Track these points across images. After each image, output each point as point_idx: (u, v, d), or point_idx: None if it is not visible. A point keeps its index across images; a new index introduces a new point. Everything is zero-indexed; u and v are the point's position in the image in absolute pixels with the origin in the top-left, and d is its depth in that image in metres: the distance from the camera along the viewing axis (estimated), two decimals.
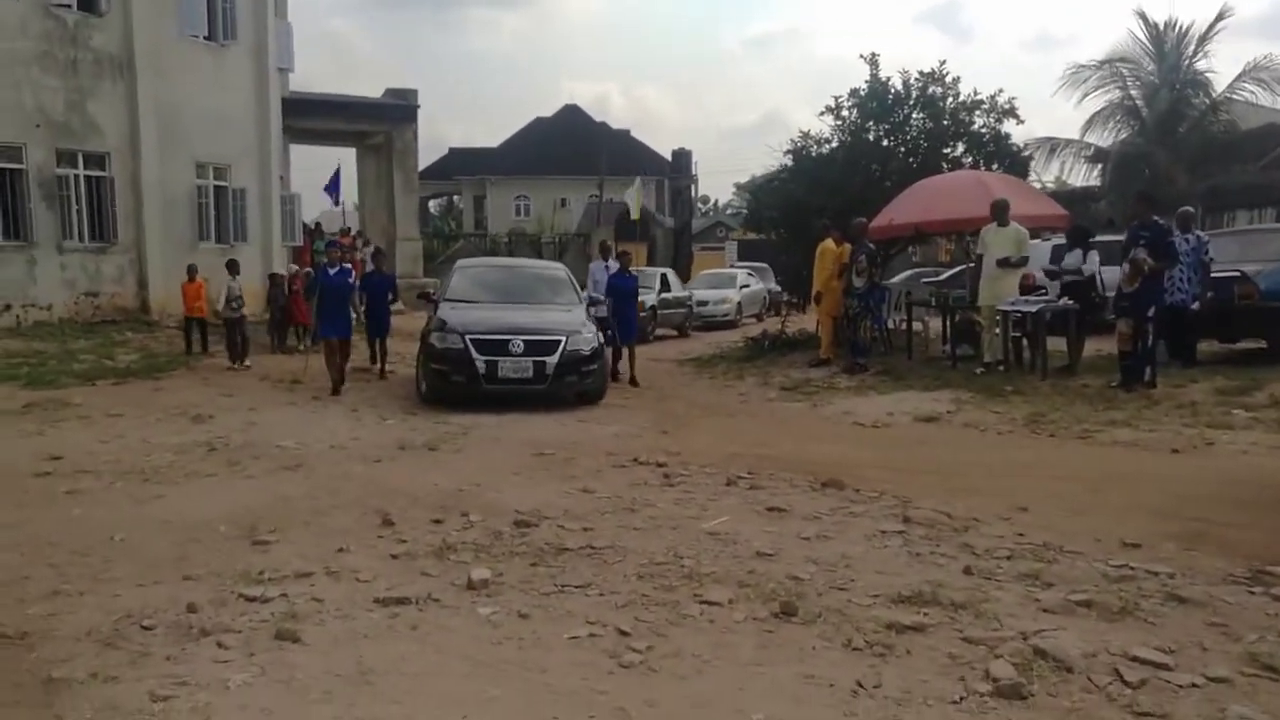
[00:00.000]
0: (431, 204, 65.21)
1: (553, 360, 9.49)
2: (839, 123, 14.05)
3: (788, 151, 14.32)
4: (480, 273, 11.84)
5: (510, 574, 4.29)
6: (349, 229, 26.78)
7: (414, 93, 24.82)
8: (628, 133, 58.30)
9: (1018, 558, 4.39)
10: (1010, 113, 13.51)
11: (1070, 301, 9.87)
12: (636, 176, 33.38)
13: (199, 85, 18.32)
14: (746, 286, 24.65)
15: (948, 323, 11.73)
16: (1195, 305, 9.79)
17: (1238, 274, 10.01)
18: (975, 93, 13.51)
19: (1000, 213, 10.32)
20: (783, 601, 3.80)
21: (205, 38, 18.61)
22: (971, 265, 11.67)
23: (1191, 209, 10.85)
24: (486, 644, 3.53)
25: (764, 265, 28.25)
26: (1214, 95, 23.93)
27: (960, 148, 13.60)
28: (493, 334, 9.51)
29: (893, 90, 13.65)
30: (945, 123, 13.52)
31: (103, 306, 16.77)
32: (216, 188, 19.11)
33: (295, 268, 17.66)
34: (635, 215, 29.68)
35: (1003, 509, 5.28)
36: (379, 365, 12.26)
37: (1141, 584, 4.00)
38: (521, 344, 9.45)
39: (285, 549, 4.75)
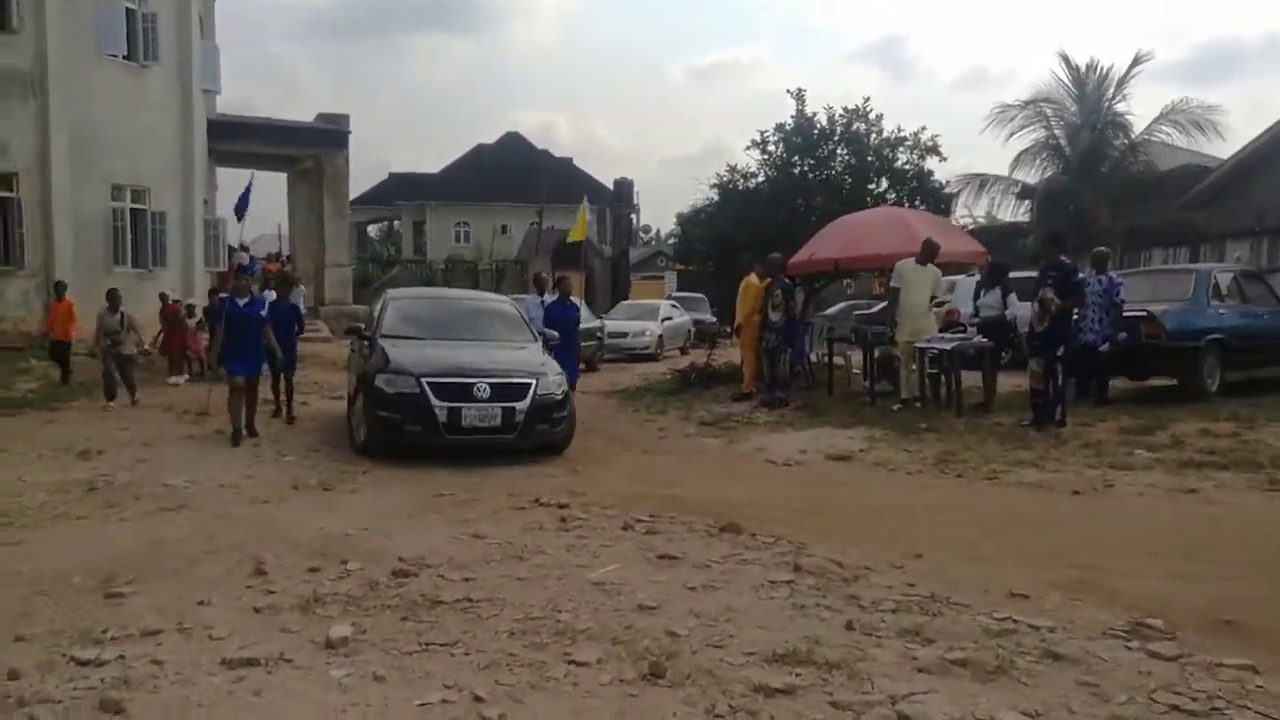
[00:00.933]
0: (371, 229, 64.57)
1: (523, 406, 8.36)
2: (765, 157, 14.12)
3: (714, 185, 14.35)
4: (419, 305, 10.63)
5: (375, 630, 4.06)
6: (279, 254, 26.27)
7: (345, 118, 24.50)
8: (570, 161, 58.35)
9: (903, 610, 4.28)
10: (933, 150, 13.71)
11: (986, 340, 9.95)
12: (584, 196, 33.08)
13: (117, 105, 17.86)
14: (669, 319, 23.90)
15: (868, 358, 11.76)
16: (1105, 346, 9.93)
17: (1145, 314, 10.19)
18: (899, 129, 13.71)
19: (929, 252, 10.37)
20: (652, 662, 3.63)
21: (125, 57, 18.19)
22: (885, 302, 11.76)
23: (1106, 250, 11.04)
24: (332, 712, 3.30)
25: (701, 296, 28.24)
26: (1133, 136, 24.68)
27: (884, 183, 13.73)
28: (452, 377, 8.31)
29: (818, 126, 13.76)
30: (869, 159, 13.65)
31: (7, 332, 16.14)
32: (134, 210, 18.59)
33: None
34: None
35: (897, 555, 5.19)
36: (285, 407, 11.18)
37: (1021, 639, 3.91)
38: (488, 388, 8.28)
39: (140, 602, 4.46)
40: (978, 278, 12.72)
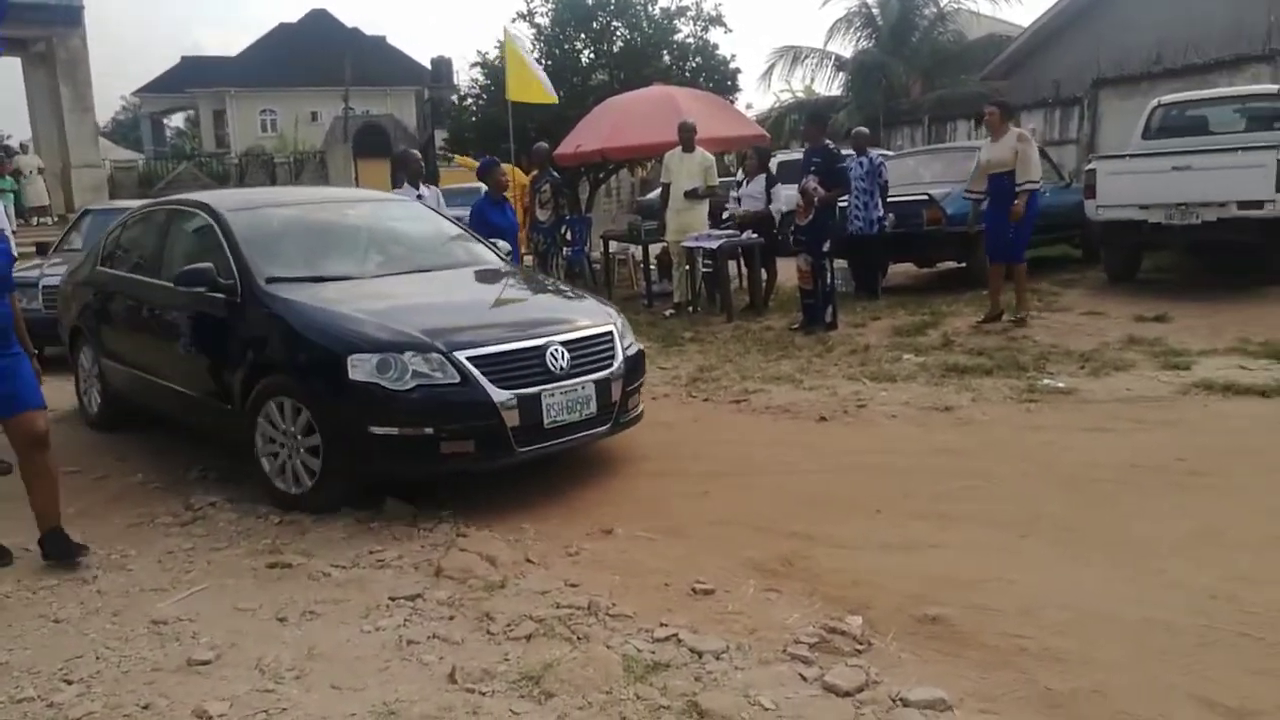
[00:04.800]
0: (176, 119, 58.75)
1: (615, 372, 4.93)
2: (535, 30, 12.56)
3: (475, 64, 12.72)
4: (292, 222, 5.89)
5: None
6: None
7: None
8: (383, 39, 54.34)
9: (539, 636, 3.27)
10: (716, 20, 12.48)
11: (754, 235, 9.03)
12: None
13: None
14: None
15: (645, 257, 10.73)
16: (876, 230, 9.23)
17: (925, 197, 9.50)
18: None
19: (686, 137, 9.27)
20: None
21: None
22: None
23: (865, 129, 10.29)
24: None
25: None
26: (941, 4, 24.15)
27: (665, 59, 12.45)
28: (503, 342, 4.64)
29: None
30: (648, 31, 12.30)
31: None
32: None
33: None
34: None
35: (582, 533, 4.21)
36: None
37: (670, 679, 2.97)
38: (563, 353, 4.71)
39: None
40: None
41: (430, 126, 36.19)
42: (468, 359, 4.45)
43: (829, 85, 26.47)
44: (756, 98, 68.63)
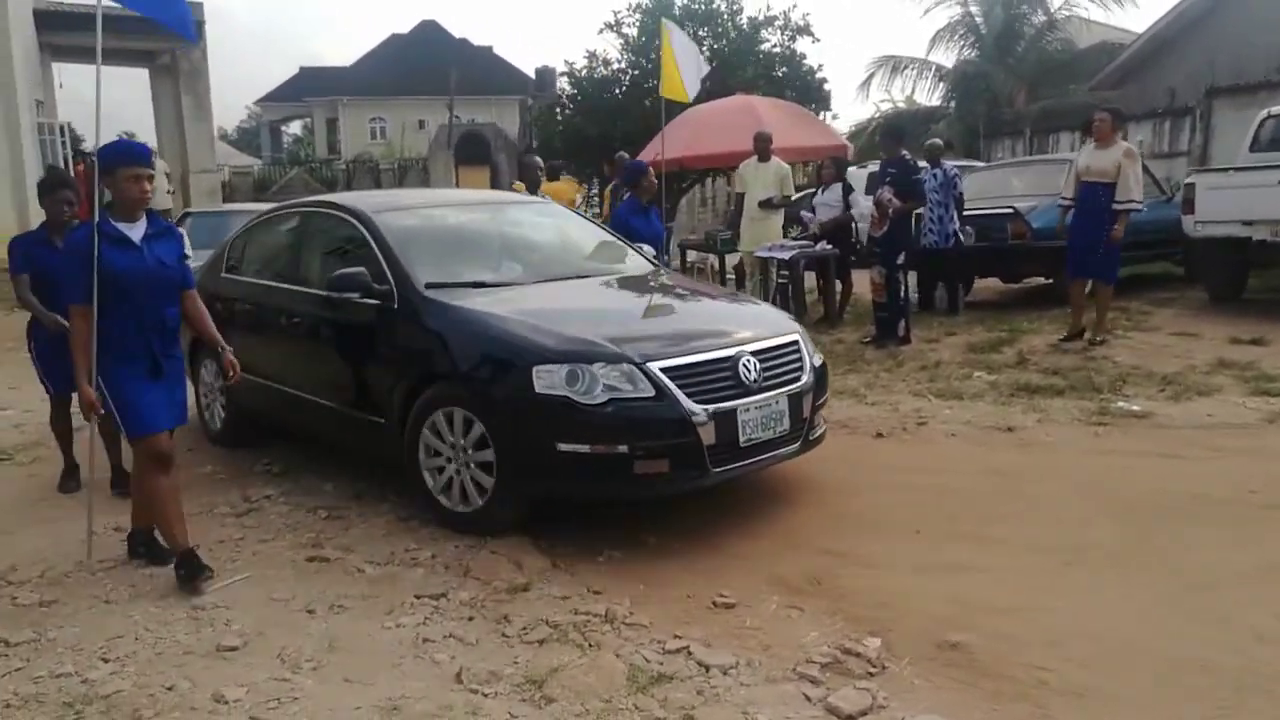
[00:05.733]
0: (294, 126, 61.33)
1: (807, 385, 4.54)
2: (622, 40, 12.67)
3: (563, 74, 12.89)
4: (442, 226, 5.57)
5: None
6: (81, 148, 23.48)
7: (199, 5, 22.17)
8: (490, 49, 55.59)
9: (552, 641, 3.30)
10: (805, 30, 12.38)
11: (829, 246, 8.90)
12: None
13: None
14: None
15: (723, 266, 10.70)
16: (952, 243, 9.00)
17: (1010, 211, 9.20)
18: (768, 7, 12.32)
19: (762, 146, 9.22)
20: None
21: None
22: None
23: (939, 141, 9.98)
24: None
25: None
26: (1051, 12, 23.36)
27: (749, 70, 12.40)
28: (696, 353, 4.25)
29: (677, 4, 12.31)
30: (735, 40, 12.27)
31: None
32: None
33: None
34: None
35: (613, 540, 4.20)
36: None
37: (673, 692, 2.95)
38: (754, 364, 4.31)
39: None
40: (868, 170, 11.63)
41: (531, 135, 36.88)
42: (661, 370, 4.05)
43: (929, 95, 25.87)
44: (854, 108, 68.27)
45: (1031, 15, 23.39)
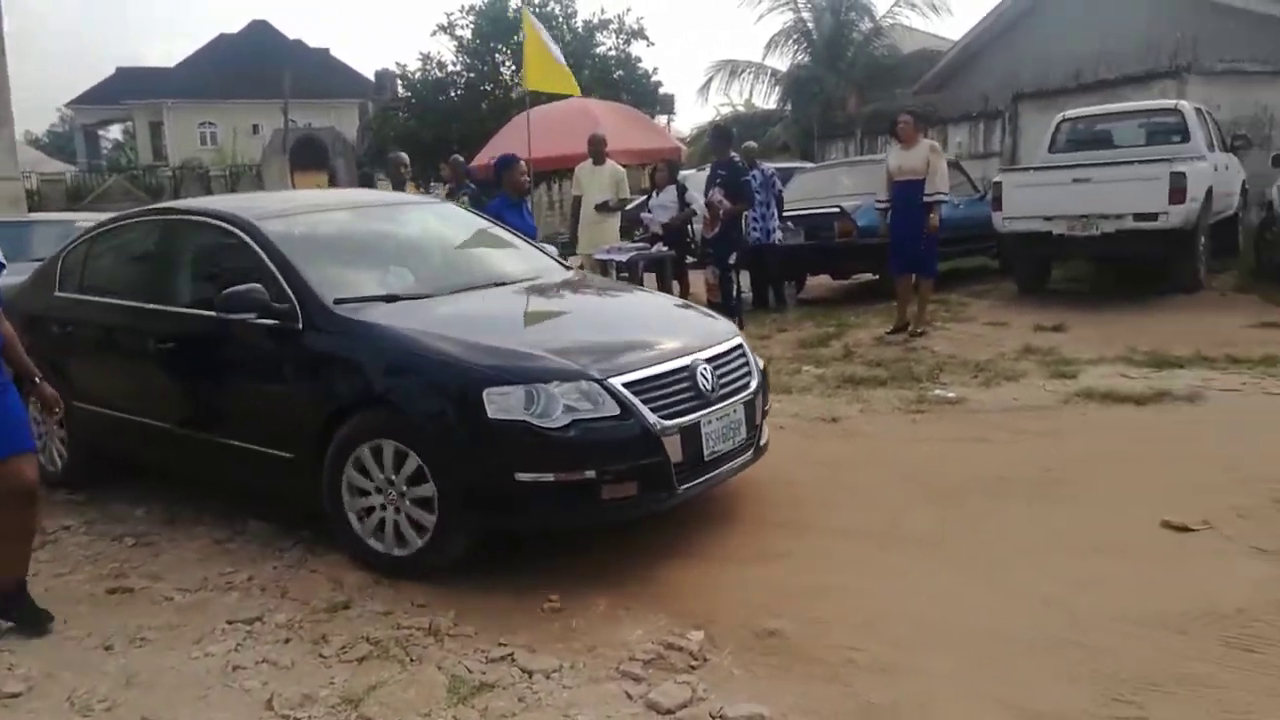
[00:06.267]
0: (113, 131, 57.61)
1: (756, 392, 4.36)
2: (456, 43, 12.50)
3: (398, 76, 12.62)
4: (334, 231, 5.02)
5: None
6: None
7: None
8: (327, 51, 53.82)
9: (369, 660, 3.19)
10: (639, 34, 12.54)
11: (665, 248, 9.05)
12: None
13: None
14: None
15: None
16: (776, 238, 9.40)
17: (837, 210, 9.59)
18: (601, 11, 12.42)
19: (597, 149, 9.27)
20: None
21: None
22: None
23: (753, 143, 10.48)
24: None
25: None
26: (876, 19, 24.50)
27: (586, 74, 12.47)
28: (651, 365, 3.96)
29: (510, 7, 12.25)
30: (570, 43, 12.31)
31: None
32: None
33: None
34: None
35: None
36: None
37: (495, 700, 2.93)
38: (710, 374, 4.08)
39: None
40: (706, 173, 11.85)
41: (369, 139, 35.88)
42: (623, 385, 3.73)
43: (766, 99, 26.69)
44: (695, 111, 69.72)
45: (859, 22, 24.44)
